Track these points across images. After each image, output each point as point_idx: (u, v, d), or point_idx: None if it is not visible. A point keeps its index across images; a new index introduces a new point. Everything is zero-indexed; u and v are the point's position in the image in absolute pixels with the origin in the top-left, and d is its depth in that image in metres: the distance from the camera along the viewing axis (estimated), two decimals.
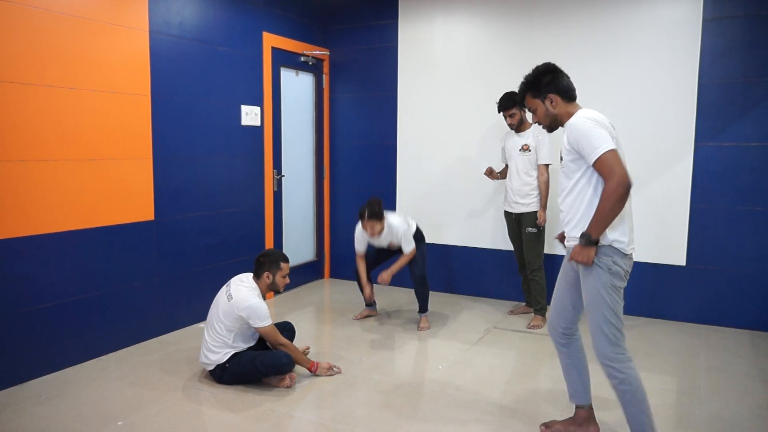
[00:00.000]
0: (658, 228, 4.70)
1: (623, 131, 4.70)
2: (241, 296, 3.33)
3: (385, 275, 4.42)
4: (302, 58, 5.60)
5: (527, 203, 4.55)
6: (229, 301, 3.36)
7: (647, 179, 4.71)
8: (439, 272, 5.22)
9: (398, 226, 4.47)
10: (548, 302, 4.20)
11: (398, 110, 5.65)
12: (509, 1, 5.08)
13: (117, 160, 3.85)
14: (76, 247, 3.62)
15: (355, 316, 4.77)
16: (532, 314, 4.71)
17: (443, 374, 3.64)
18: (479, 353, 4.03)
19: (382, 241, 4.54)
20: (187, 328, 4.43)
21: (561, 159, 2.70)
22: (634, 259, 2.61)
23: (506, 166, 4.75)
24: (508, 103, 4.49)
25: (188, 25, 4.31)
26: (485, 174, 4.76)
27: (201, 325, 4.46)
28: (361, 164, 5.90)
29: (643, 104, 4.70)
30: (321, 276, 6.10)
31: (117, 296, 3.90)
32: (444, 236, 5.50)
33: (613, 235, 2.48)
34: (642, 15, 4.65)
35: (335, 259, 6.12)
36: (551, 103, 2.65)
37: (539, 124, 2.77)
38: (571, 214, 2.60)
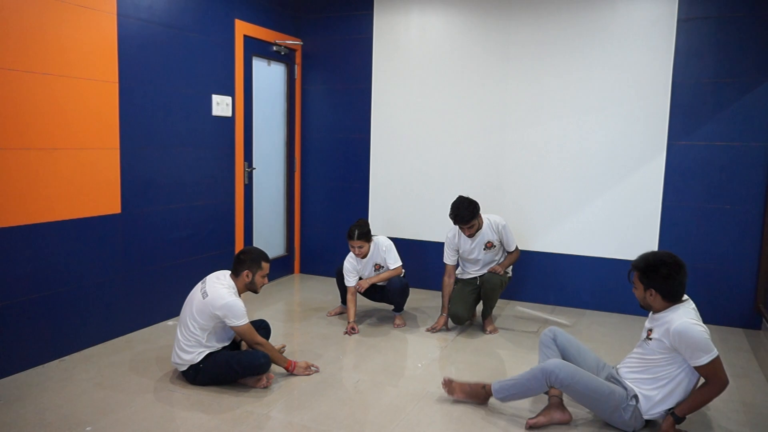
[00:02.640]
0: (630, 225, 4.75)
1: (597, 128, 4.80)
2: (218, 294, 3.20)
3: (364, 282, 4.35)
4: (274, 48, 5.45)
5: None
6: (204, 298, 3.22)
7: (620, 177, 4.76)
8: (414, 268, 5.16)
9: (383, 241, 4.43)
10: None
11: (372, 102, 5.56)
12: None
13: (82, 150, 3.65)
14: (37, 242, 3.42)
15: (328, 313, 4.68)
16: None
17: (423, 372, 3.59)
18: (457, 350, 3.99)
19: (367, 265, 4.42)
20: (156, 325, 4.26)
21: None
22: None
23: (451, 266, 4.39)
24: (466, 217, 4.12)
25: (158, 8, 4.12)
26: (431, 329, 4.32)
27: (170, 322, 4.29)
28: (334, 157, 5.79)
29: (617, 102, 4.74)
30: (291, 271, 5.98)
31: (82, 293, 3.71)
32: (418, 231, 5.45)
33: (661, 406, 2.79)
34: (618, 13, 4.68)
35: (306, 254, 6.01)
36: None
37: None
38: None
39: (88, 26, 3.62)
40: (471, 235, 4.26)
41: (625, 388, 2.84)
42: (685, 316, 2.69)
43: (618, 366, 2.99)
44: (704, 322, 4.63)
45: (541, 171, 5.01)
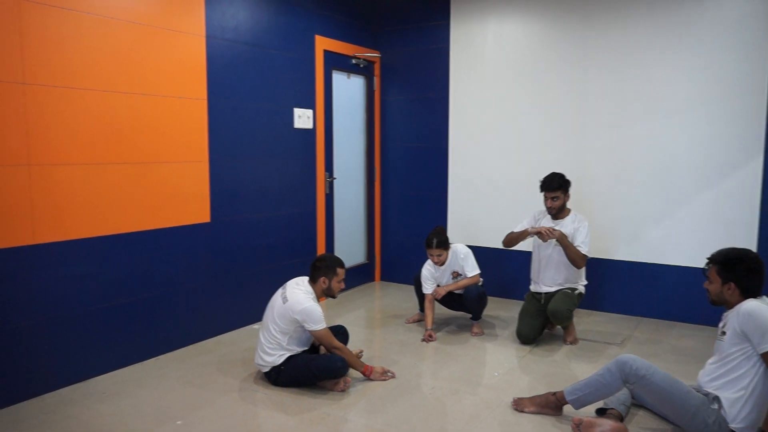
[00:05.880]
0: (724, 232, 4.47)
1: (685, 131, 4.57)
2: (297, 299, 3.34)
3: (441, 289, 4.37)
4: (353, 61, 5.61)
5: (561, 285, 4.23)
6: (284, 303, 3.37)
7: (712, 181, 4.51)
8: (492, 277, 5.11)
9: (461, 249, 4.43)
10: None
11: (450, 112, 5.59)
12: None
13: (174, 163, 3.92)
14: (135, 249, 3.71)
15: (407, 320, 4.73)
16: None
17: (499, 381, 3.56)
18: (535, 360, 3.92)
19: (445, 272, 4.43)
20: (242, 328, 4.49)
21: None
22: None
23: (523, 232, 4.27)
24: (553, 184, 4.12)
25: (243, 29, 4.36)
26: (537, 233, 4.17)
27: (255, 326, 4.50)
28: (413, 167, 5.86)
29: (707, 103, 4.49)
30: (372, 279, 6.09)
31: (174, 297, 3.98)
32: (496, 239, 5.37)
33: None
34: (706, 10, 4.44)
35: (386, 262, 6.10)
36: None
37: None
38: None
39: (180, 49, 3.90)
40: (552, 209, 4.16)
41: (705, 395, 2.70)
42: (757, 301, 2.60)
43: (698, 378, 2.85)
44: None
45: (624, 177, 4.83)
